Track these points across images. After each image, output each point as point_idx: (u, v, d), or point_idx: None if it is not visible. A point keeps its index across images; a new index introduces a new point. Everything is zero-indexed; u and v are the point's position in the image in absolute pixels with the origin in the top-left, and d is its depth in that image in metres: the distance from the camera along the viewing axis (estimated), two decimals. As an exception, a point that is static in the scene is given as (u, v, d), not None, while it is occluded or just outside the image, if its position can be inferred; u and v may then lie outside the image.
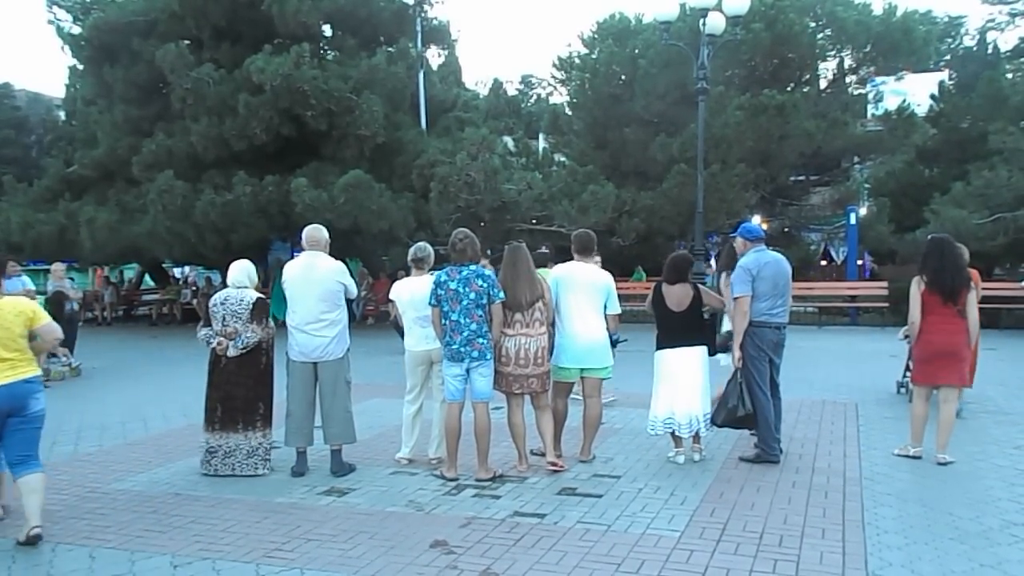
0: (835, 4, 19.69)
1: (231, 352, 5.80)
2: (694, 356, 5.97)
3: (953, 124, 20.32)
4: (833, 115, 18.78)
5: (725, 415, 5.91)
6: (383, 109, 17.37)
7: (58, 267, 12.30)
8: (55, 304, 11.50)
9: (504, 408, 5.91)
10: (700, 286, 6.16)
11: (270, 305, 6.35)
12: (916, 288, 5.91)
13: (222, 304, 5.88)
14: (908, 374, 8.44)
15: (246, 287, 6.00)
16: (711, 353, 6.11)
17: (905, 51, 19.38)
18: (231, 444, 5.82)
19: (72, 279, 12.66)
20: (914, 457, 5.95)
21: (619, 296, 6.18)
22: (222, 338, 5.83)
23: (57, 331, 4.93)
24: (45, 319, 4.82)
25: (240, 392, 5.84)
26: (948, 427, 5.92)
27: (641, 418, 6.29)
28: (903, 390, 8.53)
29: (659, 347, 6.06)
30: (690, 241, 16.89)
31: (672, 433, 6.02)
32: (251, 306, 5.85)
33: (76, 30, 19.70)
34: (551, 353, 5.91)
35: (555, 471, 5.76)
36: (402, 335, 6.31)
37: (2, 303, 4.73)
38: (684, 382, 5.93)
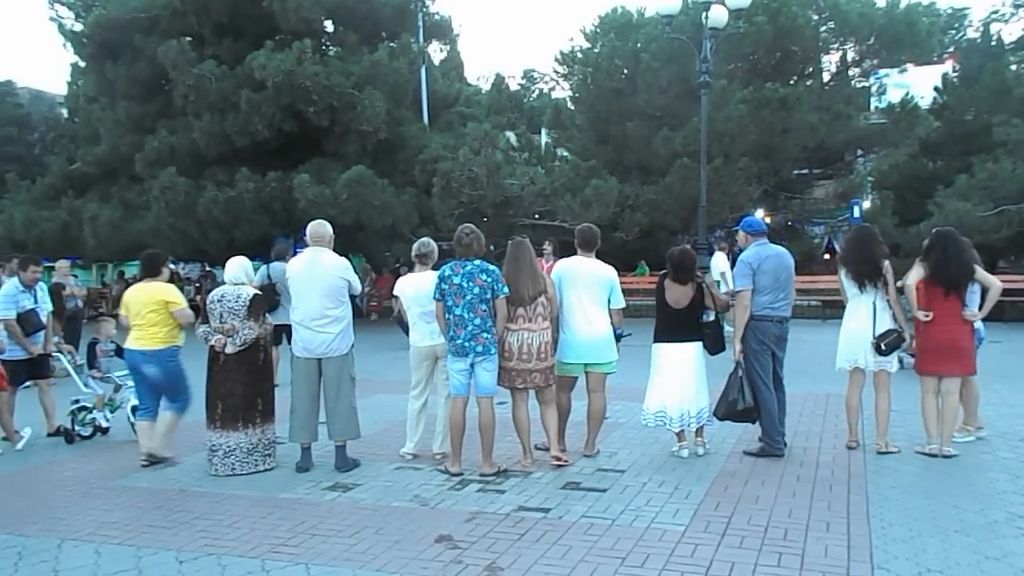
0: (838, -4, 19.64)
1: (229, 349, 5.81)
2: (689, 351, 5.96)
3: (957, 116, 20.22)
4: (836, 108, 18.74)
5: (725, 408, 5.91)
6: (385, 105, 17.36)
7: (62, 264, 12.32)
8: (55, 295, 11.51)
9: (509, 403, 5.91)
10: (704, 285, 6.12)
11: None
12: (919, 267, 5.90)
13: (219, 301, 5.88)
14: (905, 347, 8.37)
15: (243, 283, 6.00)
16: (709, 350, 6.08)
17: (908, 43, 19.33)
18: (231, 443, 5.81)
19: (75, 276, 12.67)
20: (931, 454, 5.91)
21: (622, 291, 6.17)
22: (220, 335, 5.84)
23: (189, 316, 6.22)
24: (181, 303, 6.21)
25: (239, 389, 5.84)
26: (951, 420, 5.92)
27: (645, 412, 6.28)
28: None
29: (656, 340, 6.07)
30: (693, 235, 16.88)
31: (665, 426, 6.02)
32: (248, 302, 5.85)
33: (78, 27, 19.69)
34: (555, 348, 5.91)
35: (559, 466, 5.77)
36: (406, 331, 6.32)
37: (146, 285, 6.17)
38: (678, 376, 5.93)
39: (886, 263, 6.06)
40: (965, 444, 6.13)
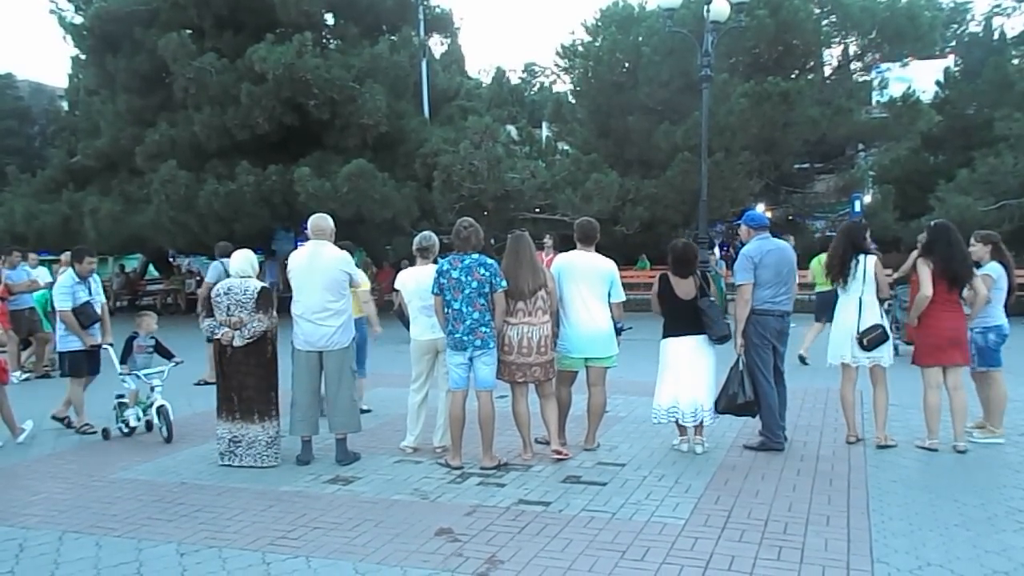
0: (840, -10, 19.57)
1: (237, 342, 5.80)
2: (700, 344, 5.95)
3: (959, 111, 20.21)
4: (838, 102, 18.70)
5: (726, 402, 5.90)
6: (386, 98, 17.33)
7: (65, 256, 12.32)
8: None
9: (509, 397, 5.91)
10: (706, 275, 6.14)
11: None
12: (926, 268, 5.87)
13: (226, 294, 5.88)
14: (899, 334, 8.22)
15: (249, 276, 6.00)
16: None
17: (910, 37, 19.26)
18: (251, 435, 5.82)
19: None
20: (931, 449, 5.91)
21: (623, 284, 6.16)
22: (227, 328, 5.83)
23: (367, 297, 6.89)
24: (365, 285, 6.73)
25: (251, 381, 5.85)
26: (962, 414, 5.92)
27: (645, 406, 6.28)
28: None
29: (665, 335, 6.04)
30: (694, 229, 16.87)
31: (676, 421, 6.01)
32: (256, 295, 5.84)
33: (78, 20, 19.66)
34: (555, 341, 5.90)
35: (559, 459, 5.77)
36: (406, 325, 6.32)
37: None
38: (689, 371, 5.90)
39: (868, 258, 6.01)
40: (966, 438, 6.11)
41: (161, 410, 6.70)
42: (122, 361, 6.95)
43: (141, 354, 6.99)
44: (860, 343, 5.96)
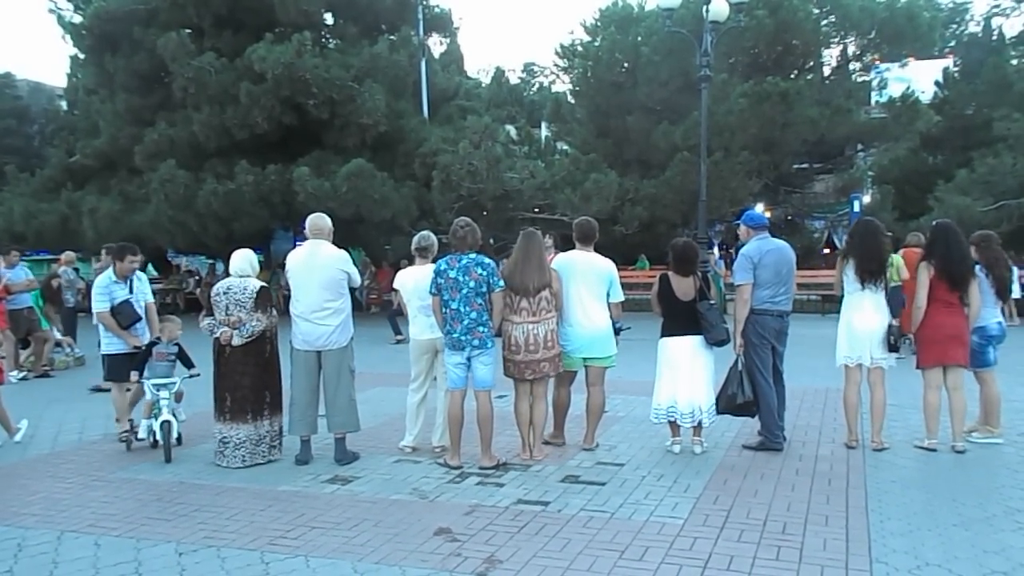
0: (839, -10, 19.56)
1: (236, 341, 5.79)
2: (699, 344, 5.94)
3: (957, 111, 20.22)
4: (837, 102, 18.69)
5: (725, 402, 5.90)
6: (385, 98, 17.34)
7: (69, 255, 12.34)
8: (46, 286, 11.49)
9: (508, 396, 5.90)
10: (707, 276, 6.15)
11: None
12: (925, 274, 5.88)
13: (225, 293, 5.88)
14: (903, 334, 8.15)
15: (248, 275, 6.00)
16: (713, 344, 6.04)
17: (910, 37, 19.26)
18: (241, 435, 5.81)
19: (77, 269, 12.62)
20: (930, 449, 5.90)
21: (622, 284, 6.16)
22: (226, 328, 5.83)
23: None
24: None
25: (247, 381, 5.84)
26: (962, 414, 5.92)
27: (644, 406, 6.28)
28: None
29: (664, 335, 6.03)
30: (693, 229, 16.87)
31: (671, 422, 6.00)
32: (255, 295, 5.84)
33: (77, 19, 19.65)
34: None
35: (526, 460, 5.78)
36: (396, 330, 6.27)
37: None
38: (687, 371, 5.90)
39: (890, 257, 6.06)
40: (964, 438, 6.12)
41: (164, 426, 6.11)
42: (134, 367, 6.44)
43: (161, 362, 6.44)
44: (890, 343, 5.90)
